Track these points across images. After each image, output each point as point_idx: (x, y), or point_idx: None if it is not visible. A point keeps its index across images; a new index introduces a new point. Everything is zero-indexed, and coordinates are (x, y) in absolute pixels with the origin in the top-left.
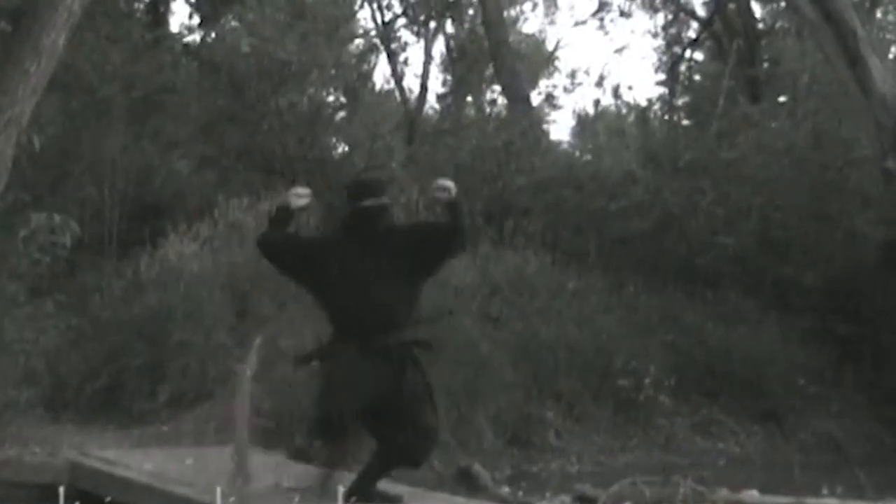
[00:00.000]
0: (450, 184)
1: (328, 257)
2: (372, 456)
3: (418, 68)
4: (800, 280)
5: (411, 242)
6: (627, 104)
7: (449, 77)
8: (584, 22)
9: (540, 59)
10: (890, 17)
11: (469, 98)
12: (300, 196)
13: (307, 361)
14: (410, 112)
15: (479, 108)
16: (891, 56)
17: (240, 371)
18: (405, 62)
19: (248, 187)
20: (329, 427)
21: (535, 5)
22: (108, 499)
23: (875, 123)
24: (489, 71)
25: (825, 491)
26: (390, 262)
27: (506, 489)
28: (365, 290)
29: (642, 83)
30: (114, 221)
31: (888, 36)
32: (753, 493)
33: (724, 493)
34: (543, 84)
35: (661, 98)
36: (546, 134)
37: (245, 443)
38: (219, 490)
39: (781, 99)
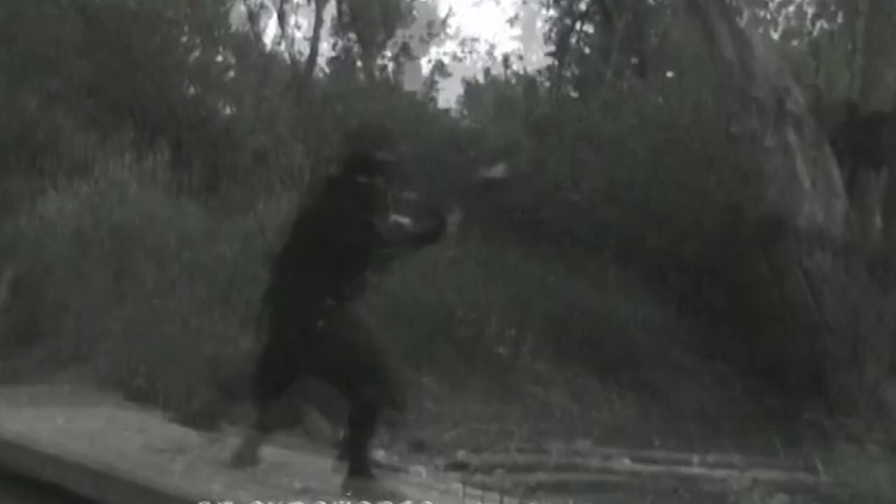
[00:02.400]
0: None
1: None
2: (349, 424)
3: (309, 31)
4: (678, 253)
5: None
6: (517, 74)
7: (339, 41)
8: None
9: (432, 27)
10: None
11: (359, 63)
12: None
13: None
14: (299, 75)
15: (369, 74)
16: (774, 35)
17: None
18: (296, 25)
19: (131, 146)
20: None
21: None
22: None
23: (754, 101)
24: (380, 37)
25: (695, 459)
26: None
27: (381, 454)
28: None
29: (532, 54)
30: None
31: (768, 15)
32: (625, 461)
33: (595, 460)
34: (434, 51)
35: (549, 69)
36: (434, 101)
37: None
38: None
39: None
